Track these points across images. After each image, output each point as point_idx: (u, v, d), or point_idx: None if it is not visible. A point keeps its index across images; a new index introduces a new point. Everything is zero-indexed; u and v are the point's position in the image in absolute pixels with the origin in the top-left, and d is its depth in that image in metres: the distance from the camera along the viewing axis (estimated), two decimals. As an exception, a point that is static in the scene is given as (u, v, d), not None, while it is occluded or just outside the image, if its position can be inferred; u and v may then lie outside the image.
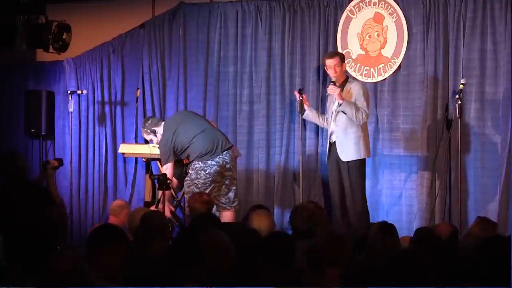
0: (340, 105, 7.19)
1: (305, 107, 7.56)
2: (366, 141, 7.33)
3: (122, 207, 7.03)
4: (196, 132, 7.30)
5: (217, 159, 7.24)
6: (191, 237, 3.92)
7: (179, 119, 7.58)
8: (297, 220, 5.11)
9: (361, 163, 7.28)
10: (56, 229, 4.34)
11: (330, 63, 7.33)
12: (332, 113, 7.36)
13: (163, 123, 7.56)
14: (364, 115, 7.18)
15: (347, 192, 7.28)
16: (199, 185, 7.18)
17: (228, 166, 7.31)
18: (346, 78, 7.42)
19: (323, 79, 8.19)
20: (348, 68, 7.88)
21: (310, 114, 7.63)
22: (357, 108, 7.16)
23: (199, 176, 7.22)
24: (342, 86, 7.30)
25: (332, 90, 7.24)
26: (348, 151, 7.23)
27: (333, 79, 7.31)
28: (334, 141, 7.32)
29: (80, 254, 4.26)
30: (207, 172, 7.21)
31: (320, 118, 7.62)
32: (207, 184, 7.20)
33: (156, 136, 7.52)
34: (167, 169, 7.29)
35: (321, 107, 8.14)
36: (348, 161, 7.23)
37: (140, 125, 8.76)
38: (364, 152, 7.27)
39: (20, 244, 3.96)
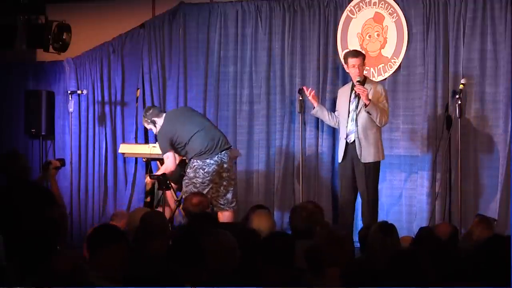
0: (365, 105, 7.07)
1: (314, 104, 7.54)
2: (382, 143, 7.29)
3: (123, 215, 6.97)
4: (195, 130, 7.26)
5: (215, 158, 7.21)
6: (191, 237, 3.92)
7: (180, 114, 7.55)
8: (296, 220, 5.10)
9: (378, 165, 7.23)
10: (56, 229, 4.34)
11: (354, 62, 7.22)
12: (349, 112, 7.27)
13: (164, 114, 7.51)
14: (386, 118, 7.17)
15: (362, 193, 7.20)
16: (198, 184, 7.13)
17: (225, 166, 7.27)
18: (365, 78, 7.32)
19: (323, 79, 8.19)
20: (348, 68, 7.87)
21: (319, 111, 7.58)
22: (382, 111, 7.13)
23: (197, 175, 7.18)
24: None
25: (360, 90, 7.09)
26: (368, 152, 7.14)
27: (358, 79, 7.17)
28: (353, 141, 7.21)
29: (80, 254, 4.27)
30: (205, 171, 7.17)
31: (329, 116, 7.54)
32: (205, 184, 7.15)
33: (155, 126, 7.47)
34: (168, 158, 7.23)
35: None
36: (365, 163, 7.15)
37: (140, 125, 8.78)
38: (382, 154, 7.23)
39: (20, 244, 3.96)
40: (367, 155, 7.16)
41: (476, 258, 3.75)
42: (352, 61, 7.25)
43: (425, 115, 7.78)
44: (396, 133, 7.95)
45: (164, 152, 7.31)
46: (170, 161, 7.23)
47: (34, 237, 4.06)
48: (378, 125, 7.16)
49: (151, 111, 7.60)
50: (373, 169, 7.20)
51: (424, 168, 7.77)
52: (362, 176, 7.17)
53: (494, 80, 7.60)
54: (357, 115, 7.19)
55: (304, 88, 7.63)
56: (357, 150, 7.16)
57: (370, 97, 7.11)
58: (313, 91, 7.60)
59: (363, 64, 7.27)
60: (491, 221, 5.44)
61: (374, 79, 7.92)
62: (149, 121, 7.53)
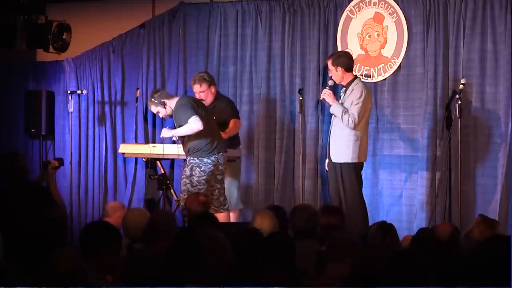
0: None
1: None
2: (360, 145, 7.10)
3: (116, 208, 6.88)
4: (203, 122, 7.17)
5: (212, 158, 7.15)
6: (191, 237, 3.91)
7: (195, 101, 7.40)
8: (296, 221, 5.11)
9: (353, 167, 7.09)
10: (57, 229, 4.34)
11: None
12: None
13: (176, 98, 7.32)
14: (351, 119, 7.00)
15: (341, 197, 7.12)
16: (194, 183, 7.07)
17: (220, 167, 7.21)
18: (354, 78, 7.23)
19: (323, 79, 8.19)
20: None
21: None
22: (344, 111, 7.05)
23: (193, 173, 7.11)
24: (347, 87, 7.18)
25: (324, 94, 7.20)
26: (337, 152, 7.11)
27: (329, 83, 7.27)
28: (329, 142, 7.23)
29: (80, 254, 4.26)
30: (202, 169, 7.11)
31: None
32: (202, 183, 7.08)
33: (165, 108, 7.22)
34: (196, 116, 6.97)
35: (321, 107, 8.14)
36: (340, 164, 7.10)
37: (140, 125, 8.77)
38: (353, 156, 7.06)
39: (20, 244, 3.96)
40: (336, 155, 7.11)
41: (476, 258, 3.75)
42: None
43: (425, 115, 7.77)
44: (396, 133, 7.95)
45: (189, 117, 6.99)
46: (197, 119, 6.96)
47: (34, 237, 4.06)
48: (346, 126, 7.05)
49: (159, 93, 7.35)
50: (347, 171, 7.07)
51: (424, 168, 7.76)
52: (339, 179, 7.11)
53: (494, 80, 7.59)
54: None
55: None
56: (330, 150, 7.17)
57: (347, 98, 7.09)
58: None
59: (333, 67, 7.19)
60: (494, 222, 5.42)
61: (374, 79, 7.94)
62: (156, 102, 7.23)
